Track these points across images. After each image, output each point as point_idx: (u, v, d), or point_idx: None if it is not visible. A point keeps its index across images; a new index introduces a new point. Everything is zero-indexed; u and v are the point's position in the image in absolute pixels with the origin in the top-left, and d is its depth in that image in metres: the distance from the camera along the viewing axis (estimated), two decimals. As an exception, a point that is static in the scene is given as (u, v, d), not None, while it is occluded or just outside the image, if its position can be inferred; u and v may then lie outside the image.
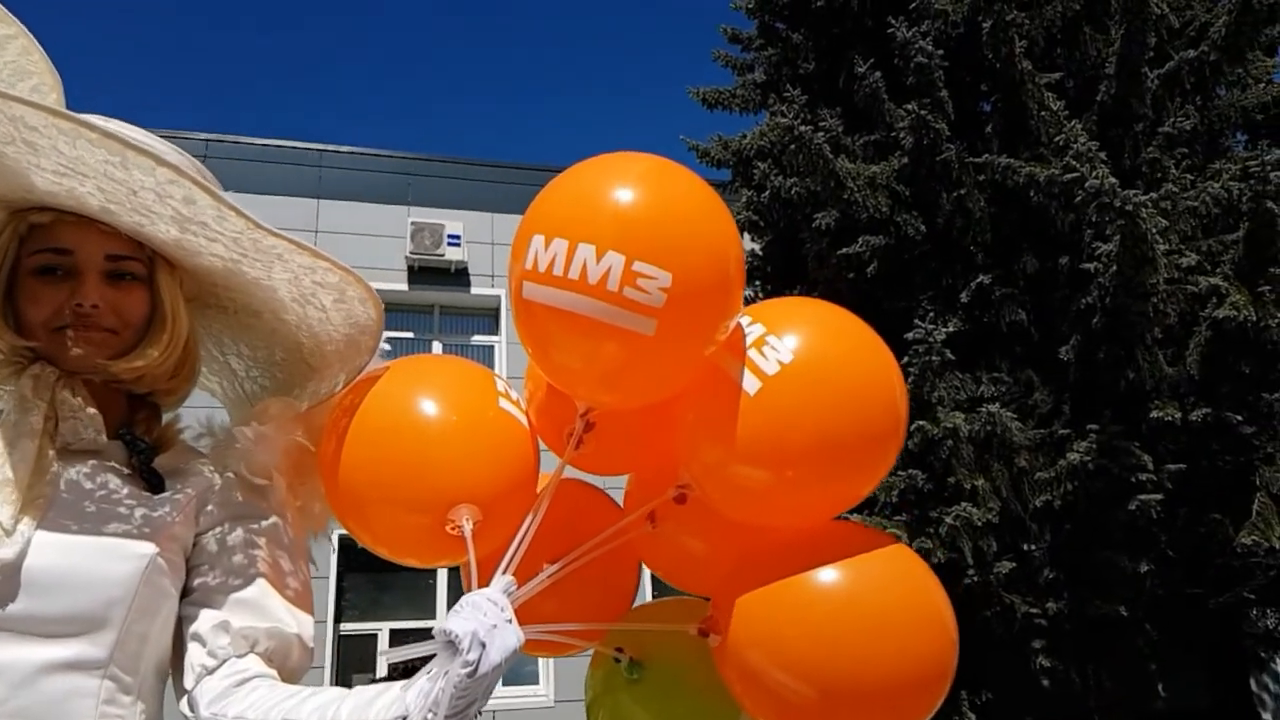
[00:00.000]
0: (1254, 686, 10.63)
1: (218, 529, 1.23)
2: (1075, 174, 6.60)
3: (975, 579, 7.24)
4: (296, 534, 1.31)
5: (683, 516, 1.42)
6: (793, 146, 7.92)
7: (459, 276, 12.82)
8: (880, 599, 1.24)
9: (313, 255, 1.20)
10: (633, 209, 1.19)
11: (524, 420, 1.38)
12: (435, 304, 13.04)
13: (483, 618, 1.06)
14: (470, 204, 12.94)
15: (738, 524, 1.35)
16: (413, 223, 12.53)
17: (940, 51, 7.73)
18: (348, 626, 11.11)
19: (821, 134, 7.89)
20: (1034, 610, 7.43)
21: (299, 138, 13.36)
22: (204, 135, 12.50)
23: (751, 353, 1.27)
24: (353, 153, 13.26)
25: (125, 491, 1.16)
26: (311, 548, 1.48)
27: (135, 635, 1.10)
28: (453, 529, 1.23)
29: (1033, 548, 7.62)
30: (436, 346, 12.79)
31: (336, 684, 10.72)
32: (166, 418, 1.33)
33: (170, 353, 1.22)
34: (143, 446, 1.21)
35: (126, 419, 1.24)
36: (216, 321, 1.40)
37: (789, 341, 1.27)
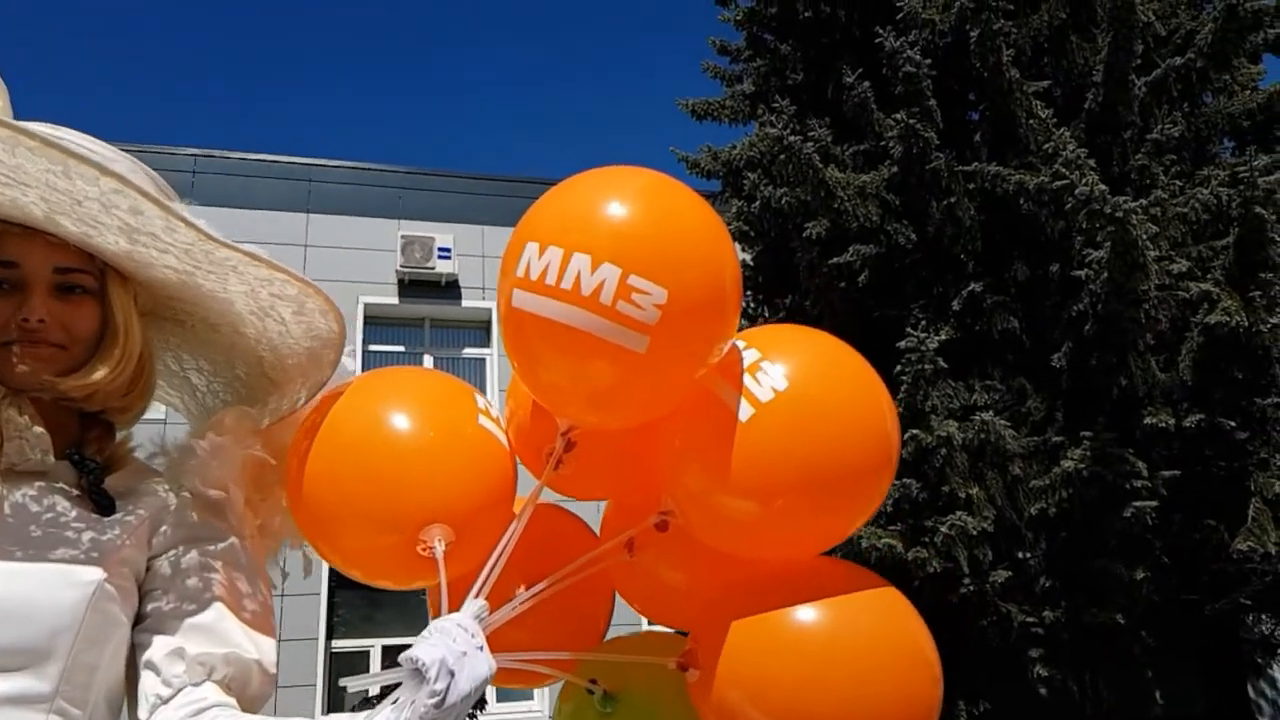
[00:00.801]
0: (1251, 693, 10.59)
1: (172, 552, 1.17)
2: (1065, 181, 6.59)
3: (971, 588, 7.19)
4: (255, 553, 1.26)
5: (662, 545, 1.38)
6: (782, 156, 7.91)
7: (450, 289, 12.81)
8: (866, 641, 1.20)
9: (269, 267, 1.16)
10: (631, 222, 1.16)
11: (503, 439, 1.34)
12: (426, 317, 13.03)
13: (452, 644, 1.02)
14: (460, 217, 12.94)
15: (719, 555, 1.32)
16: (403, 236, 12.55)
17: (928, 61, 7.72)
18: (340, 643, 11.02)
19: (811, 144, 7.88)
20: (1030, 619, 7.38)
21: (288, 152, 13.37)
22: (193, 151, 12.53)
23: (745, 378, 1.24)
24: (342, 166, 13.28)
25: (73, 514, 1.11)
26: (292, 564, 1.43)
27: (83, 666, 1.05)
28: (424, 550, 1.18)
29: (1028, 556, 7.57)
30: (428, 360, 12.76)
31: (328, 703, 10.59)
32: (122, 435, 1.28)
33: (122, 369, 1.17)
34: (92, 467, 1.15)
35: (77, 438, 1.18)
36: (175, 335, 1.35)
37: (784, 368, 1.24)
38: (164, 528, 1.18)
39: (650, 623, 1.63)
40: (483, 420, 1.30)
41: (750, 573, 1.30)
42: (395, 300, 12.64)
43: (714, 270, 1.19)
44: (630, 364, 1.14)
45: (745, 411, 1.21)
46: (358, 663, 10.90)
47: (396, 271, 12.52)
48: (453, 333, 13.22)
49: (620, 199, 1.18)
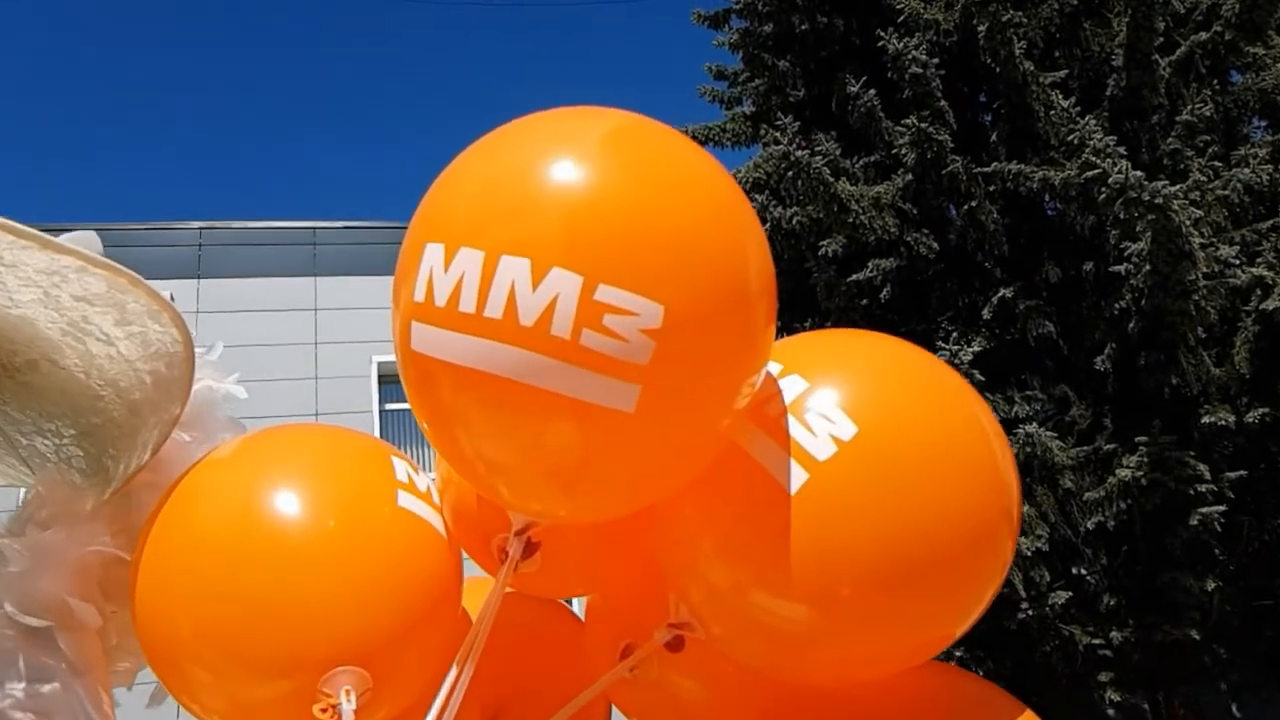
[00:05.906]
0: (1337, 699, 10.03)
1: None
2: (1096, 170, 6.22)
3: (1030, 613, 6.83)
4: (100, 687, 0.88)
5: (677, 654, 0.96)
6: (790, 173, 7.61)
7: (462, 341, 12.64)
8: None
9: (43, 247, 0.78)
10: (595, 197, 0.72)
11: (437, 522, 0.92)
12: (441, 372, 12.86)
13: None
14: (466, 266, 12.80)
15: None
16: (411, 291, 12.43)
17: (935, 60, 7.42)
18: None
19: (819, 157, 7.57)
20: (1096, 640, 6.99)
21: (290, 216, 13.48)
22: (199, 224, 12.62)
23: (791, 424, 0.79)
24: (345, 227, 13.53)
25: None
26: None
27: None
28: (324, 711, 0.77)
29: (1088, 574, 7.16)
30: (444, 415, 12.50)
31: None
32: None
33: None
34: None
35: None
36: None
37: (847, 403, 0.80)
38: None
39: None
40: (405, 499, 0.87)
41: (811, 690, 0.88)
42: (408, 357, 12.52)
43: (733, 264, 0.75)
44: (610, 430, 0.72)
45: (795, 477, 0.76)
46: None
47: (407, 327, 12.41)
48: (470, 386, 13.03)
49: (575, 158, 0.73)
